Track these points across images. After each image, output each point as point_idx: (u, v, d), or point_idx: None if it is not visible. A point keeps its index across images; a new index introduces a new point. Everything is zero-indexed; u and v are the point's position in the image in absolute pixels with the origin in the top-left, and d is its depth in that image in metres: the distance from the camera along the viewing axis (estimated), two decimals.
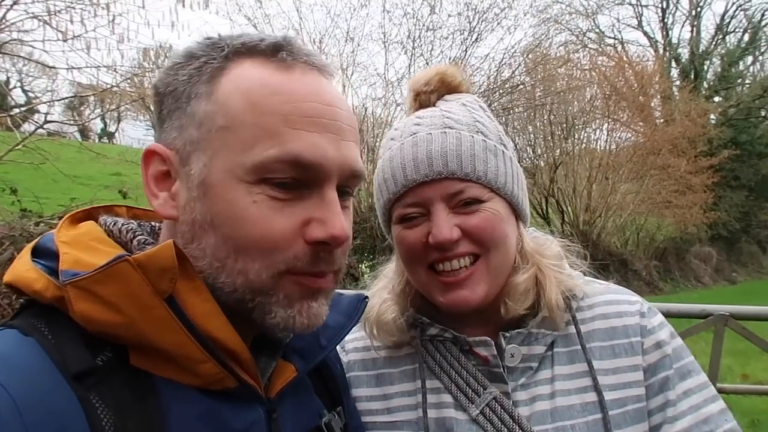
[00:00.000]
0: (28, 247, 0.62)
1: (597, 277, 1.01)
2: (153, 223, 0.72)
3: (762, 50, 27.72)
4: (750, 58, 28.16)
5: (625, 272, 16.12)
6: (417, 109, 0.99)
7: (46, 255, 0.60)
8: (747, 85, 27.44)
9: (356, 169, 0.63)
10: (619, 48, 24.68)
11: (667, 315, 2.46)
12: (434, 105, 0.97)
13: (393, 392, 0.95)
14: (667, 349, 0.91)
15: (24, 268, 0.59)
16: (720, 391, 2.51)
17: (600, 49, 22.77)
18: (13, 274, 0.59)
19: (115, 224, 0.66)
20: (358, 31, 11.88)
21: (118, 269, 0.53)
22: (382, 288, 1.02)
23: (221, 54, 0.61)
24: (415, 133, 0.91)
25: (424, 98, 0.98)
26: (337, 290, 0.73)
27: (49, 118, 6.11)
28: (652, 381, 0.89)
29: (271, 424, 0.64)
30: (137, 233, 0.65)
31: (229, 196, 0.58)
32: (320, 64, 0.64)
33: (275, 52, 0.61)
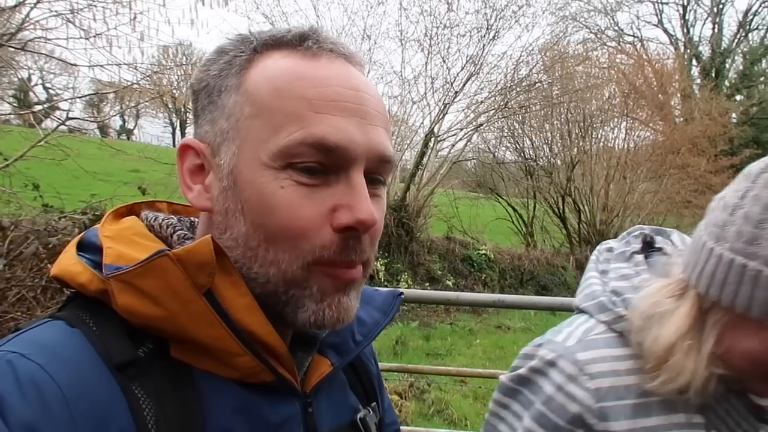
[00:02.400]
0: (73, 241, 0.64)
1: None
2: (192, 219, 0.73)
3: None
4: None
5: None
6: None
7: (90, 249, 0.62)
8: None
9: (385, 153, 0.62)
10: (639, 46, 24.37)
11: None
12: None
13: (651, 425, 0.83)
14: None
15: (70, 262, 0.61)
16: None
17: (619, 47, 22.52)
18: (60, 268, 0.61)
19: (156, 219, 0.68)
20: (374, 28, 11.89)
21: (158, 264, 0.55)
22: (678, 327, 0.80)
23: (250, 47, 0.63)
24: None
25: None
26: (372, 287, 0.73)
27: (70, 115, 6.17)
28: None
29: (307, 419, 0.65)
30: (177, 228, 0.67)
31: (256, 183, 0.58)
32: (347, 52, 0.64)
33: (301, 41, 0.62)
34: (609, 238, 1.03)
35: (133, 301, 0.55)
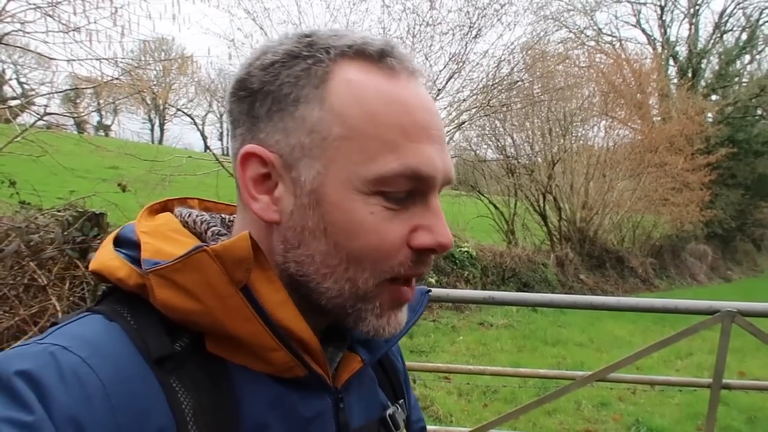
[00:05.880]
0: (110, 237, 0.64)
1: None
2: (223, 216, 0.74)
3: (759, 49, 27.82)
4: (747, 57, 28.28)
5: (621, 269, 16.19)
6: None
7: (127, 244, 0.62)
8: (744, 84, 27.55)
9: (453, 178, 0.65)
10: (617, 45, 24.70)
11: (675, 311, 2.49)
12: None
13: None
14: None
15: (108, 257, 0.61)
16: (726, 387, 2.52)
17: (598, 47, 22.78)
18: (99, 263, 0.62)
19: (189, 215, 0.68)
20: (357, 25, 11.82)
21: (196, 259, 0.55)
22: None
23: (327, 56, 0.60)
24: None
25: None
26: None
27: (47, 110, 6.05)
28: None
29: (338, 414, 0.65)
30: (210, 224, 0.67)
31: (346, 206, 0.59)
32: (418, 69, 0.64)
33: (381, 57, 0.61)
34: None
35: (172, 296, 0.55)
